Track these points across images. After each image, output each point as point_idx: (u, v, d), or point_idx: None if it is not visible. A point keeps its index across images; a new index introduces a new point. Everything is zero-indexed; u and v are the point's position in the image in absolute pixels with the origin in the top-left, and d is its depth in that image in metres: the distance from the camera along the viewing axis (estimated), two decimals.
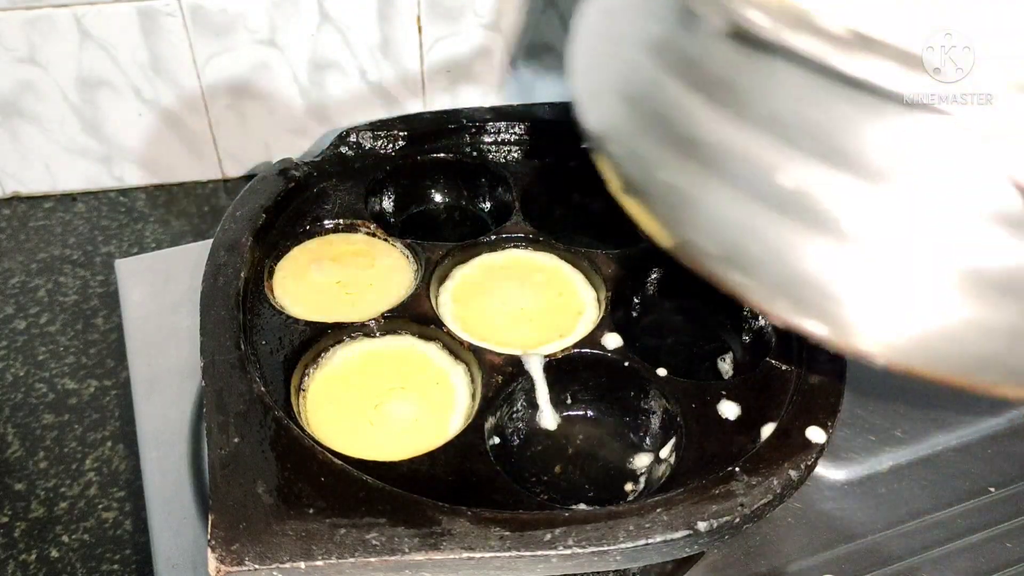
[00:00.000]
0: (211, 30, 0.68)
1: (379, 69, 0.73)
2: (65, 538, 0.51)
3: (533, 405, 0.47)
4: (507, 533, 0.37)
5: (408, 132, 0.60)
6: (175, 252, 0.66)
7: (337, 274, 0.52)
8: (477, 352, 0.47)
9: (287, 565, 0.35)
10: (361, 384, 0.47)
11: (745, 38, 0.31)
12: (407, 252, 0.54)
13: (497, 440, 0.45)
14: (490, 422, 0.44)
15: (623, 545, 0.37)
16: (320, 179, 0.57)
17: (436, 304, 0.51)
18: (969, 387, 0.31)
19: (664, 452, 0.45)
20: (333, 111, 0.74)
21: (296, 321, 0.48)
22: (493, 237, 0.55)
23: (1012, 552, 0.48)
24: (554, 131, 0.61)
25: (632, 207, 0.34)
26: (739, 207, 0.31)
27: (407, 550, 0.36)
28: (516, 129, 0.62)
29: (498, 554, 0.36)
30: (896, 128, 0.29)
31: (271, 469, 0.39)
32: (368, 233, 0.55)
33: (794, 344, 0.48)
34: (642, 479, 0.46)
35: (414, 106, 0.76)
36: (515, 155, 0.61)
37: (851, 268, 0.30)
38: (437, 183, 0.62)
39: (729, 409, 0.45)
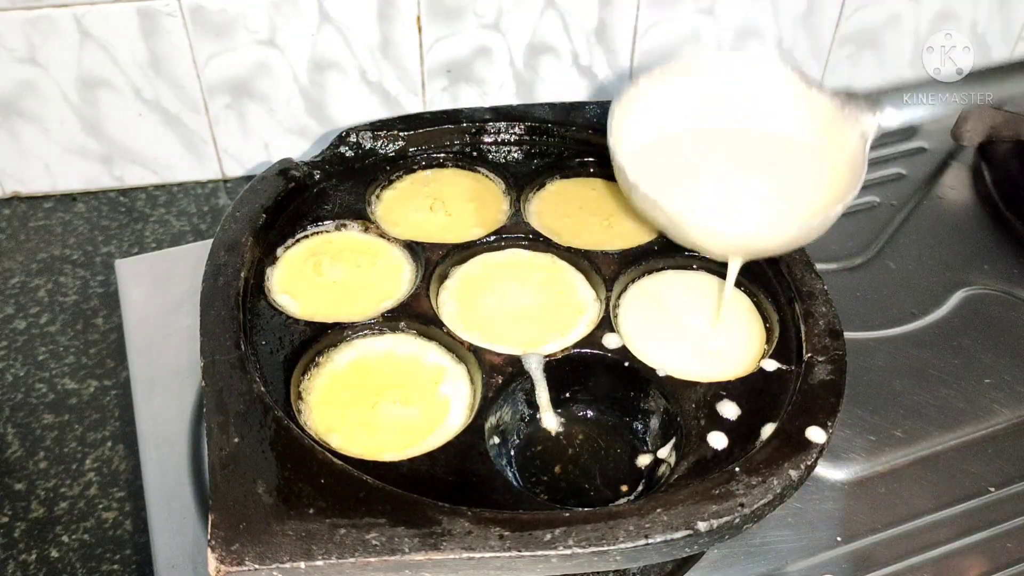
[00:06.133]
0: (211, 30, 0.68)
1: (379, 69, 0.73)
2: (65, 538, 0.51)
3: (533, 405, 0.47)
4: (507, 533, 0.37)
5: (408, 132, 0.60)
6: (175, 252, 0.66)
7: (337, 274, 0.52)
8: (477, 352, 0.47)
9: (287, 565, 0.35)
10: (361, 384, 0.47)
11: None
12: (407, 252, 0.54)
13: (497, 440, 0.45)
14: (490, 422, 0.44)
15: (623, 545, 0.37)
16: (320, 179, 0.58)
17: (436, 304, 0.51)
18: None
19: (664, 452, 0.45)
20: (333, 111, 0.74)
21: (296, 321, 0.48)
22: (493, 237, 0.55)
23: (1012, 552, 0.48)
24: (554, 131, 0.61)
25: None
26: None
27: (407, 550, 0.36)
28: (516, 129, 0.62)
29: (498, 554, 0.36)
30: None
31: (271, 469, 0.39)
32: (368, 233, 0.55)
33: (793, 344, 0.48)
34: (642, 479, 0.46)
35: (414, 106, 0.76)
36: (515, 155, 0.61)
37: None
38: None
39: (729, 409, 0.45)
